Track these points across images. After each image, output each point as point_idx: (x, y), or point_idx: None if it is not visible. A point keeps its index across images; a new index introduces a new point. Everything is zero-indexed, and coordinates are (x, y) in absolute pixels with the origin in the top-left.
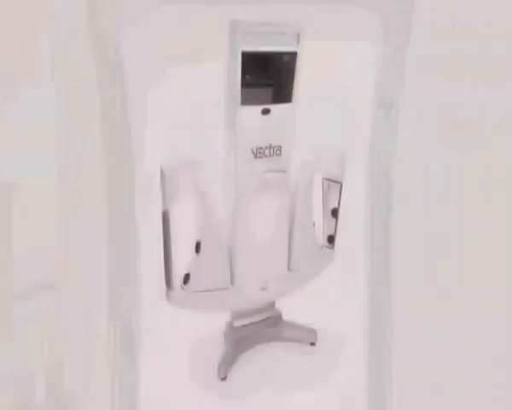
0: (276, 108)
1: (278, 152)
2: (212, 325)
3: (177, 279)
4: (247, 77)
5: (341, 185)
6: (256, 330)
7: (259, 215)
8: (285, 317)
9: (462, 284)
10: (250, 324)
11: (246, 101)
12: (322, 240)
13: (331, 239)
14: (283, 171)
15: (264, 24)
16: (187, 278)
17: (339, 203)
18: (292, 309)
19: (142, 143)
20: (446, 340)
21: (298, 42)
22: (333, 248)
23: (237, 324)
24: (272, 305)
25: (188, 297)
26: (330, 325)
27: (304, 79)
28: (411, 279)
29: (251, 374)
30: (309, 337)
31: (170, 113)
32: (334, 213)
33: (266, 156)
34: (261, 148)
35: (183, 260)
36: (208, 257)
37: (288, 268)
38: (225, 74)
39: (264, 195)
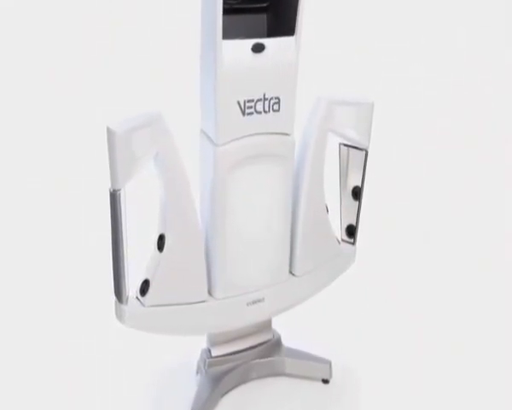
0: (272, 44)
1: (276, 107)
2: (180, 354)
3: (132, 289)
4: None
5: (366, 153)
6: (244, 361)
7: (249, 198)
8: (286, 343)
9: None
10: (235, 352)
11: (230, 33)
12: (340, 232)
13: (351, 230)
14: (283, 133)
15: None
16: (145, 286)
17: (363, 180)
18: (296, 332)
19: None
20: None
21: None
22: (354, 243)
23: (217, 352)
24: (268, 325)
25: (146, 314)
26: (350, 354)
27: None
28: None
29: None
30: (320, 372)
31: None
32: (357, 193)
33: (259, 113)
34: (252, 100)
35: (139, 260)
36: (176, 257)
37: (291, 272)
38: None
39: (256, 168)
